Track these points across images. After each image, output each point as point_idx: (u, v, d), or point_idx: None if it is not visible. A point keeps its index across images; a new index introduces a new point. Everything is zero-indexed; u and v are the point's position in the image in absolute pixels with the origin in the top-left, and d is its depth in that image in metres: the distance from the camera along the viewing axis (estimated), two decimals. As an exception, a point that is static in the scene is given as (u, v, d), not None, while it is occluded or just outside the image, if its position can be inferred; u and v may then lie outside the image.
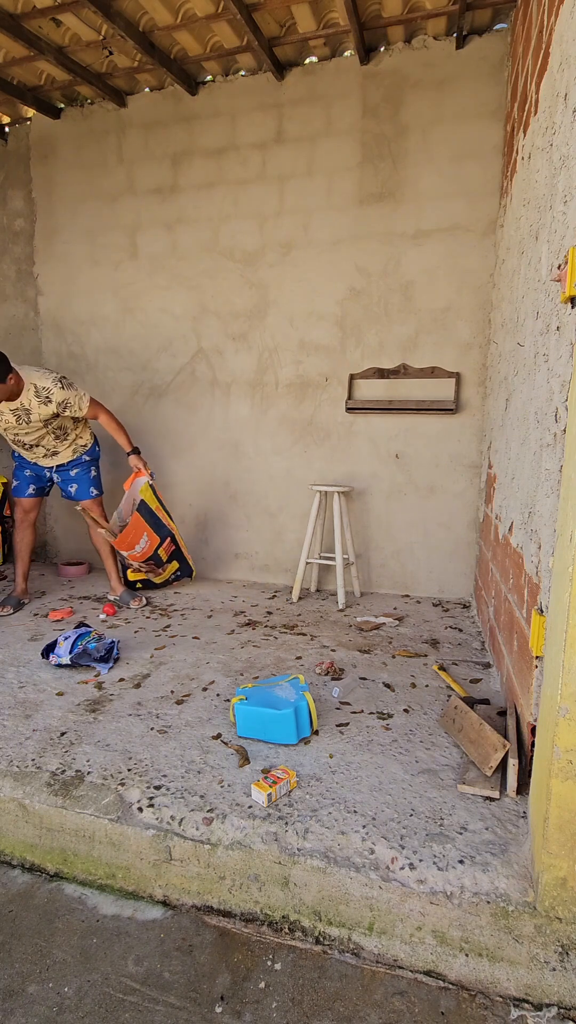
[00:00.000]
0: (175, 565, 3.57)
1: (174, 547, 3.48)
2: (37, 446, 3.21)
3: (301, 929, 1.42)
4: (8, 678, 2.40)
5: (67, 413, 3.09)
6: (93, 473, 3.41)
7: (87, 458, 3.38)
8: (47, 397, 2.98)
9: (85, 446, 3.36)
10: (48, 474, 3.37)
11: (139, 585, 3.67)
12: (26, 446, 3.20)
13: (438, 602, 3.57)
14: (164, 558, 3.46)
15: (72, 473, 3.35)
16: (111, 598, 3.48)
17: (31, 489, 3.36)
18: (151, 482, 3.33)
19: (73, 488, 3.37)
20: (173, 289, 3.94)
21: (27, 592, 3.45)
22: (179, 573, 3.66)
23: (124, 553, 3.32)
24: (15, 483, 3.37)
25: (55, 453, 3.27)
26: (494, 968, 1.28)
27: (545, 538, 1.53)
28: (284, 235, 3.66)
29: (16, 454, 3.32)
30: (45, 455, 3.27)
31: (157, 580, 3.64)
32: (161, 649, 2.73)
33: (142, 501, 3.29)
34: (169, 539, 3.43)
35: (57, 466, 3.33)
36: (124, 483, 3.41)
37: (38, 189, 4.14)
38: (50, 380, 2.98)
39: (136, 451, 3.31)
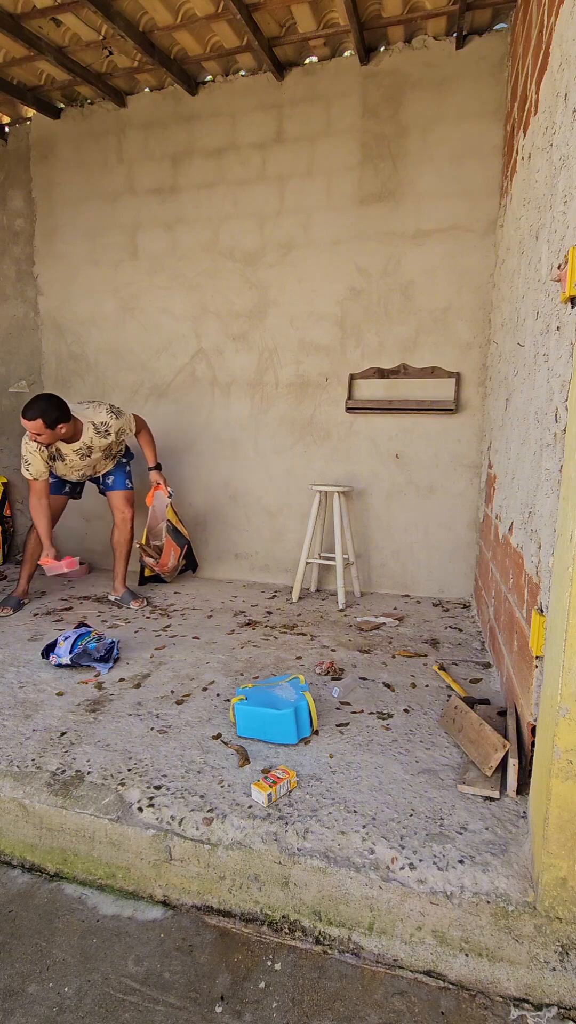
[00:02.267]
0: (183, 563, 3.77)
1: (188, 550, 3.75)
2: (82, 469, 3.29)
3: (301, 929, 1.42)
4: (8, 678, 2.40)
5: (123, 439, 3.26)
6: (128, 469, 3.50)
7: (124, 460, 3.49)
8: (106, 431, 3.12)
9: (121, 453, 3.46)
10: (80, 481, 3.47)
11: (150, 577, 3.86)
12: (79, 472, 3.28)
13: (438, 602, 3.57)
14: (180, 562, 3.69)
15: (109, 481, 3.47)
16: (112, 597, 3.49)
17: (66, 488, 3.44)
18: (170, 501, 3.48)
19: (111, 479, 3.45)
20: (173, 289, 3.94)
21: (28, 593, 3.45)
22: (185, 567, 3.85)
23: (156, 567, 3.58)
24: (52, 480, 3.34)
25: (95, 468, 3.36)
26: (494, 968, 1.28)
27: (545, 538, 1.53)
28: (284, 235, 3.66)
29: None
30: (90, 474, 3.37)
31: (168, 579, 3.83)
32: (161, 649, 2.73)
33: (169, 522, 3.52)
34: (187, 546, 3.68)
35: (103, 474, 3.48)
36: (146, 498, 3.53)
37: (38, 189, 4.14)
38: (104, 413, 3.11)
39: (158, 467, 3.43)
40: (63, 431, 2.96)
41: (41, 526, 3.13)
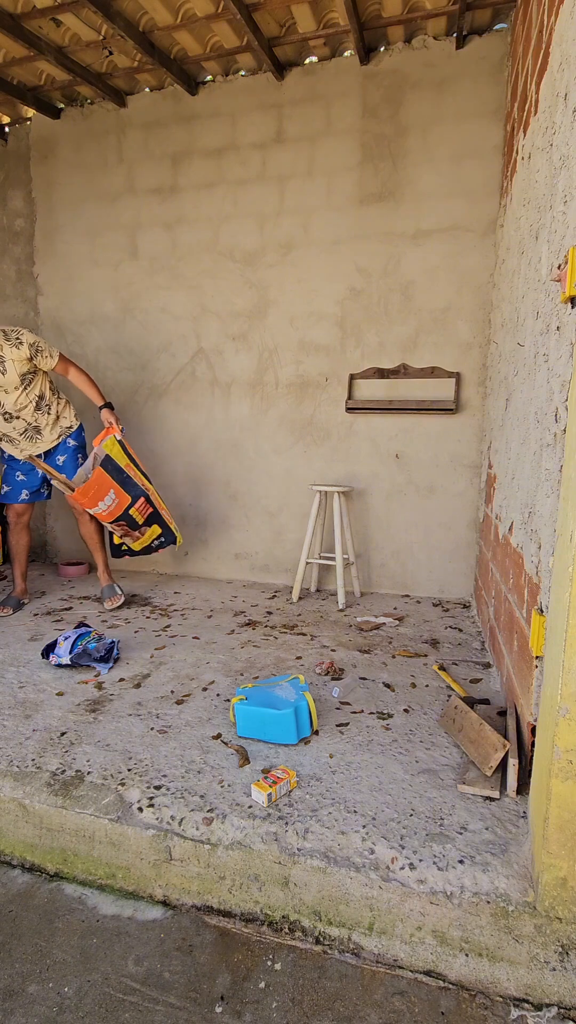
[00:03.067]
0: (156, 530, 3.41)
1: (151, 509, 3.31)
2: (17, 418, 3.05)
3: (301, 929, 1.42)
4: (8, 678, 2.39)
5: (38, 361, 2.98)
6: (80, 459, 3.26)
7: (72, 442, 3.25)
8: (17, 339, 2.89)
9: (70, 428, 3.23)
10: (40, 474, 3.28)
11: (124, 547, 3.46)
12: (7, 417, 3.03)
13: (438, 602, 3.57)
14: (139, 520, 3.29)
15: (59, 462, 3.22)
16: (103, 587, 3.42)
17: (24, 495, 3.28)
18: (119, 437, 3.16)
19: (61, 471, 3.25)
20: (173, 289, 3.94)
21: (27, 592, 3.44)
22: (163, 539, 3.48)
23: (89, 511, 3.18)
24: (6, 489, 3.28)
25: (38, 432, 3.13)
26: (494, 968, 1.28)
27: (545, 538, 1.53)
28: (284, 235, 3.66)
29: (5, 456, 3.23)
30: (27, 435, 3.11)
31: (136, 546, 3.44)
32: (161, 649, 2.73)
33: (107, 456, 3.13)
34: (143, 499, 3.24)
35: (44, 454, 3.21)
36: (94, 440, 3.21)
37: (38, 189, 4.14)
38: (16, 330, 2.93)
39: (109, 405, 3.18)
40: None
41: None
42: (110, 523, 3.25)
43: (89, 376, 3.18)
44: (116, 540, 3.44)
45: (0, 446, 3.20)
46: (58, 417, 3.18)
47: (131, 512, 3.23)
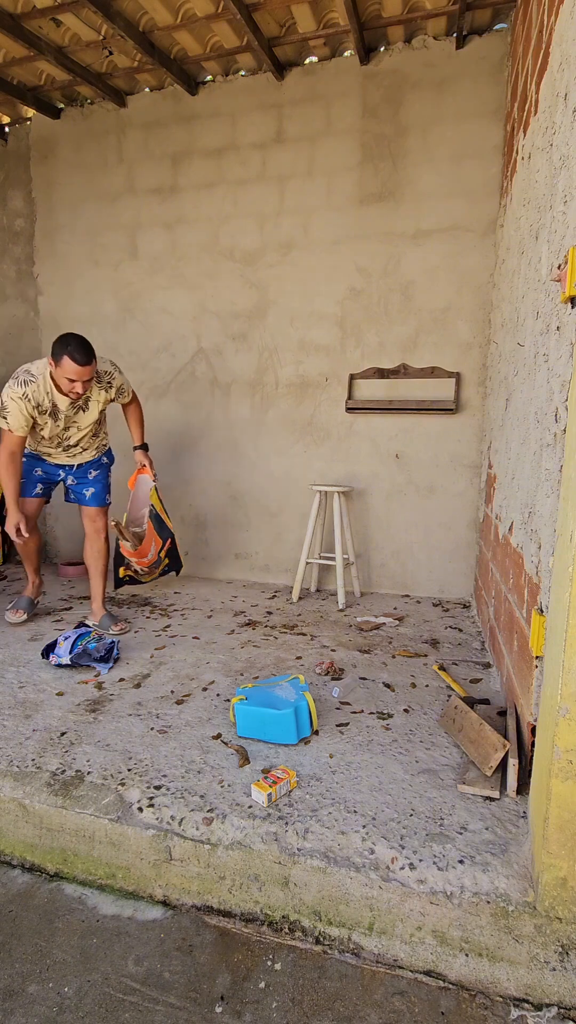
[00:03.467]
0: (166, 561, 3.39)
1: (172, 546, 3.36)
2: (75, 445, 2.91)
3: (301, 929, 1.42)
4: (8, 678, 2.39)
5: (120, 400, 2.91)
6: (109, 478, 3.10)
7: (105, 460, 3.08)
8: (108, 383, 2.79)
9: (106, 445, 3.09)
10: (62, 474, 3.00)
11: (126, 578, 3.35)
12: (58, 442, 2.87)
13: (438, 602, 3.57)
14: (162, 557, 3.31)
15: (90, 476, 3.01)
16: (90, 623, 3.03)
17: (38, 488, 2.98)
18: (155, 485, 3.19)
19: (89, 492, 3.01)
20: (173, 289, 3.94)
21: (40, 588, 3.20)
22: (167, 568, 3.43)
23: (134, 561, 3.16)
24: (21, 481, 2.94)
25: (82, 451, 2.96)
26: (494, 968, 1.28)
27: (545, 538, 1.53)
28: (284, 235, 3.66)
29: (30, 451, 2.92)
30: (69, 452, 2.94)
31: (146, 580, 3.40)
32: (161, 649, 2.73)
33: (152, 507, 3.16)
34: (170, 540, 3.31)
35: (77, 465, 3.00)
36: (128, 480, 3.26)
37: (38, 189, 4.14)
38: (108, 363, 2.81)
39: (145, 446, 3.12)
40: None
41: (11, 487, 2.72)
42: (140, 565, 3.21)
43: (142, 415, 3.12)
44: (122, 574, 3.32)
45: (40, 451, 2.94)
46: (103, 436, 3.07)
47: (160, 554, 3.26)
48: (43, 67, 3.60)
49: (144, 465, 3.12)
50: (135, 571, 3.29)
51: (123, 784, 1.68)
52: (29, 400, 2.60)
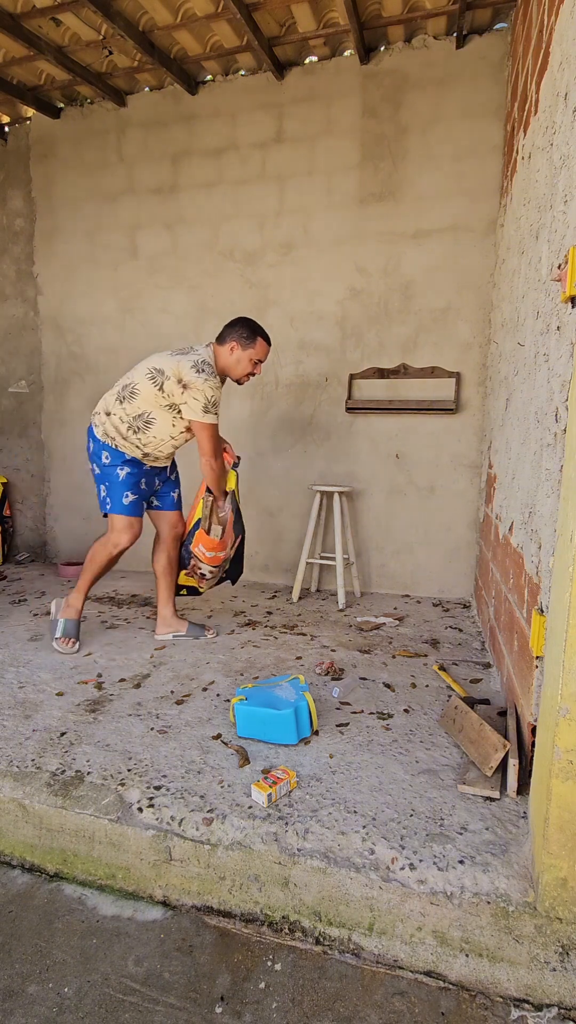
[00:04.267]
0: (226, 566, 2.95)
1: (241, 544, 2.92)
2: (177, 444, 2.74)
3: (301, 929, 1.42)
4: (8, 678, 2.39)
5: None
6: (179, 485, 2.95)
7: (176, 469, 2.95)
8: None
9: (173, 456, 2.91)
10: (156, 482, 2.80)
11: (183, 591, 3.02)
12: (173, 446, 2.71)
13: (438, 602, 3.57)
14: (230, 556, 2.90)
15: (172, 477, 2.88)
16: (167, 635, 2.85)
17: (144, 505, 2.77)
18: (236, 469, 2.86)
19: (174, 495, 2.88)
20: (173, 289, 3.93)
21: (80, 613, 2.82)
22: (224, 576, 2.97)
23: (206, 561, 2.79)
24: (132, 498, 2.65)
25: (175, 448, 2.78)
26: (494, 968, 1.28)
27: (545, 538, 1.53)
28: (284, 235, 3.66)
29: (133, 457, 2.65)
30: (170, 455, 2.79)
31: (204, 589, 2.98)
32: (161, 649, 2.73)
33: (231, 494, 2.79)
34: (241, 537, 2.88)
35: (162, 467, 2.82)
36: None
37: (38, 189, 4.14)
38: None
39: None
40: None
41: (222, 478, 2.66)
42: (211, 564, 2.82)
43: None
44: (184, 580, 2.96)
45: (147, 462, 2.72)
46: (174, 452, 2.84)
47: (231, 550, 2.86)
48: (43, 67, 3.60)
49: (225, 449, 2.81)
50: (201, 575, 2.87)
51: (123, 784, 1.68)
52: (219, 391, 2.53)
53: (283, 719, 1.85)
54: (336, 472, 3.78)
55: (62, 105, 4.02)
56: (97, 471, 2.68)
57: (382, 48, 3.38)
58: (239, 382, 2.67)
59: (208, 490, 2.74)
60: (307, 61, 3.52)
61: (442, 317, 3.45)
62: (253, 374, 2.63)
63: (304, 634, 2.95)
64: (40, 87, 3.78)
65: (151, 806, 1.59)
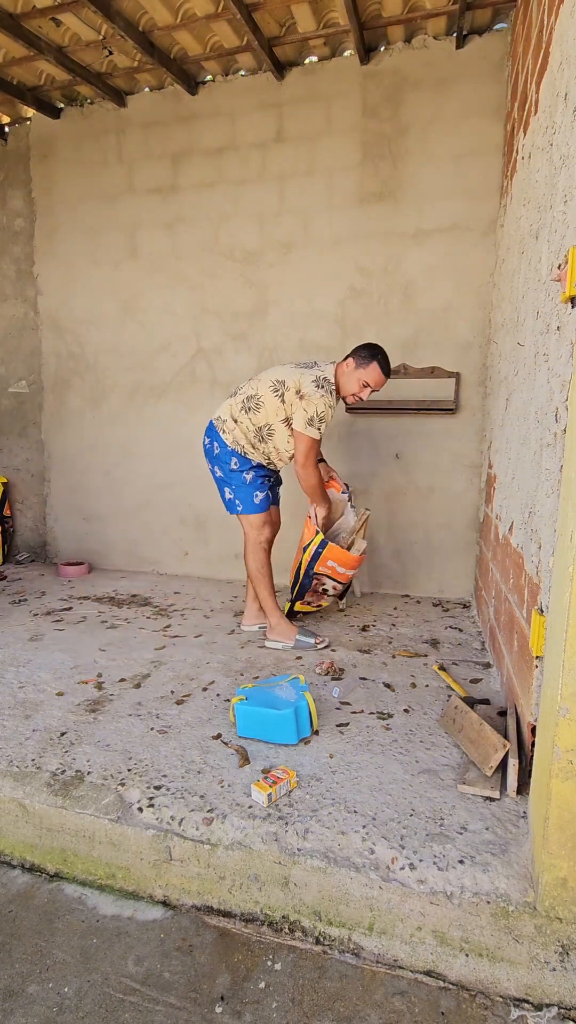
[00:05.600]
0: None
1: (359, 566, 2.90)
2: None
3: (301, 929, 1.42)
4: (8, 678, 2.39)
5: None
6: None
7: None
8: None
9: None
10: (271, 480, 2.89)
11: (299, 612, 2.96)
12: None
13: (438, 602, 3.57)
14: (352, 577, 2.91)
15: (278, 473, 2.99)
16: (280, 644, 2.74)
17: (268, 496, 2.83)
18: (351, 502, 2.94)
19: (279, 490, 3.01)
20: (173, 289, 3.93)
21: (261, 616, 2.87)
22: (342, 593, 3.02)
23: (331, 576, 2.78)
24: (261, 496, 2.74)
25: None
26: (494, 968, 1.28)
27: (545, 538, 1.53)
28: (284, 235, 3.66)
29: (257, 463, 2.73)
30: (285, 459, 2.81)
31: (314, 607, 3.00)
32: (161, 649, 2.73)
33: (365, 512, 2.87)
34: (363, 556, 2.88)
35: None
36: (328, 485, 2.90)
37: (38, 189, 4.14)
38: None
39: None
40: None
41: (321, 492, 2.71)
42: (339, 579, 2.85)
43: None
44: (300, 607, 2.95)
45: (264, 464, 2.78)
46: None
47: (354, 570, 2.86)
48: (43, 67, 3.60)
49: (332, 477, 2.97)
50: (324, 591, 2.91)
51: (123, 784, 1.68)
52: (332, 410, 2.58)
53: (283, 719, 1.85)
54: (336, 472, 3.77)
55: (62, 105, 4.02)
56: (220, 474, 2.76)
57: (382, 48, 3.38)
58: (346, 401, 2.66)
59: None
60: (307, 61, 3.51)
61: (442, 317, 3.45)
62: (360, 397, 2.61)
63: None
64: (40, 87, 3.78)
65: (151, 806, 1.59)
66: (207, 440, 2.75)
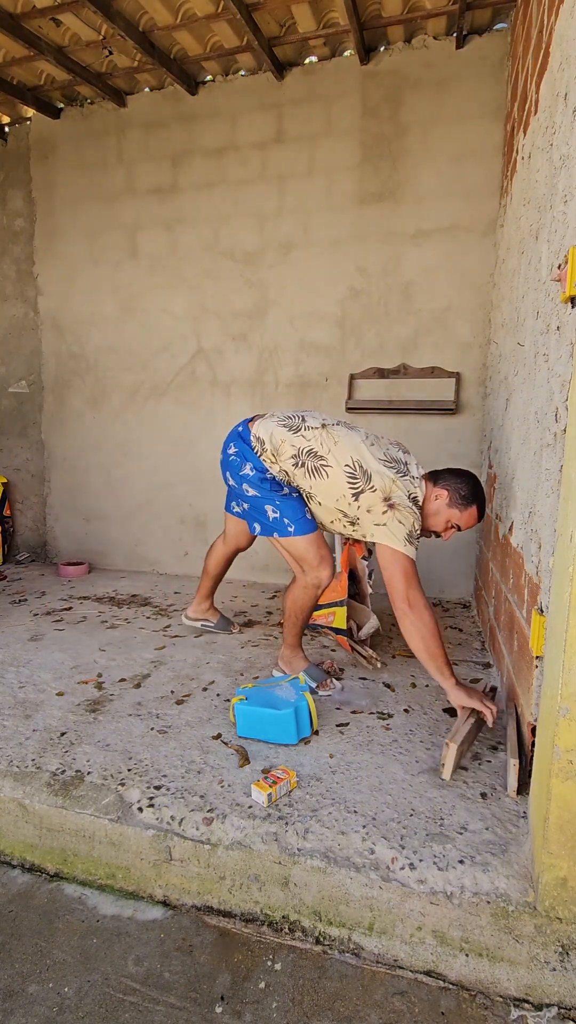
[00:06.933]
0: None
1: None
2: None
3: (301, 929, 1.42)
4: (8, 678, 2.39)
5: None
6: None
7: None
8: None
9: None
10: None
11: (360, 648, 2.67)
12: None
13: (438, 602, 3.57)
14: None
15: None
16: (317, 686, 2.30)
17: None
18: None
19: None
20: (173, 289, 3.93)
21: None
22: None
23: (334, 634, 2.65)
24: (310, 513, 2.27)
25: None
26: (494, 968, 1.28)
27: (545, 538, 1.53)
28: (284, 235, 3.66)
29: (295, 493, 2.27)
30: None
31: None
32: (161, 649, 2.73)
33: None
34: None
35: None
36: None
37: (38, 189, 4.14)
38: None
39: None
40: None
41: (440, 653, 1.95)
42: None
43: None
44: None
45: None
46: None
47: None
48: (43, 67, 3.60)
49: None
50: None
51: (123, 784, 1.68)
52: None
53: (283, 719, 1.85)
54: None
55: (62, 105, 4.02)
56: (253, 493, 2.26)
57: (382, 48, 3.38)
58: (421, 532, 2.12)
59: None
60: (307, 61, 3.51)
61: (442, 317, 3.45)
62: (437, 535, 2.17)
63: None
64: (40, 87, 3.78)
65: (151, 806, 1.59)
66: (233, 452, 2.29)
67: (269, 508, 2.24)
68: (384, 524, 2.02)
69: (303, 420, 2.19)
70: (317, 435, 2.14)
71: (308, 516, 2.23)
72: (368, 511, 2.06)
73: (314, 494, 2.18)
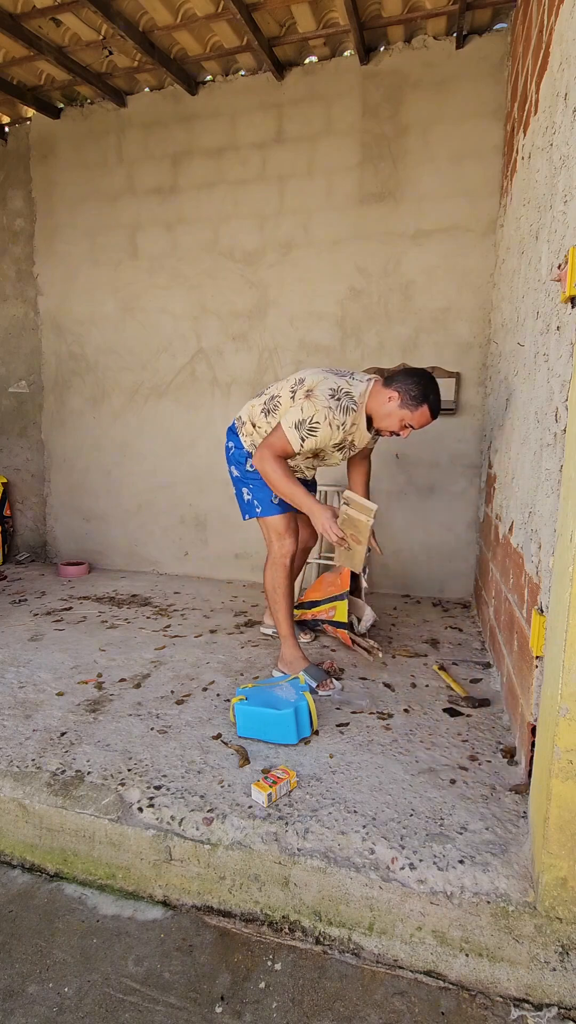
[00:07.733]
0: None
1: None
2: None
3: (301, 929, 1.42)
4: (8, 678, 2.39)
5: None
6: None
7: None
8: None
9: None
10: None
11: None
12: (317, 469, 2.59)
13: (438, 602, 3.57)
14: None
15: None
16: (317, 686, 2.28)
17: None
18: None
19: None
20: (173, 289, 3.93)
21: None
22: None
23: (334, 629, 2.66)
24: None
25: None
26: (494, 968, 1.28)
27: (545, 538, 1.53)
28: (284, 235, 3.66)
29: (247, 468, 2.47)
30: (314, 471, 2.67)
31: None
32: (161, 649, 2.73)
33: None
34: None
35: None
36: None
37: (38, 189, 4.14)
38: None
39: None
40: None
41: (299, 492, 2.16)
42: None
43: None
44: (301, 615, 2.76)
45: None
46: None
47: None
48: (43, 67, 3.60)
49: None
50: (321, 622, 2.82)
51: (123, 784, 1.68)
52: (341, 430, 2.14)
53: (283, 719, 1.85)
54: (336, 472, 3.77)
55: (62, 105, 4.02)
56: (236, 474, 2.47)
57: (382, 48, 3.38)
58: (378, 432, 2.26)
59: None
60: (307, 61, 3.51)
61: (442, 317, 3.45)
62: (396, 434, 2.21)
63: (304, 634, 2.95)
64: (40, 87, 3.78)
65: (151, 806, 1.59)
66: (228, 442, 2.50)
67: (245, 490, 2.46)
68: (291, 409, 2.16)
69: (267, 386, 2.48)
70: (275, 385, 2.37)
71: (275, 501, 2.38)
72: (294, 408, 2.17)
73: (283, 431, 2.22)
